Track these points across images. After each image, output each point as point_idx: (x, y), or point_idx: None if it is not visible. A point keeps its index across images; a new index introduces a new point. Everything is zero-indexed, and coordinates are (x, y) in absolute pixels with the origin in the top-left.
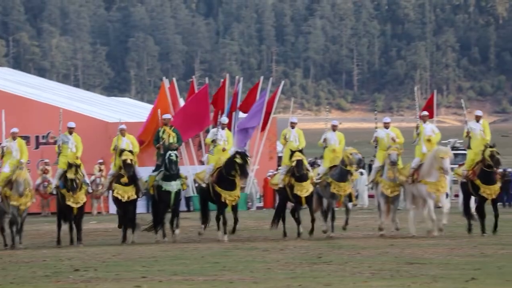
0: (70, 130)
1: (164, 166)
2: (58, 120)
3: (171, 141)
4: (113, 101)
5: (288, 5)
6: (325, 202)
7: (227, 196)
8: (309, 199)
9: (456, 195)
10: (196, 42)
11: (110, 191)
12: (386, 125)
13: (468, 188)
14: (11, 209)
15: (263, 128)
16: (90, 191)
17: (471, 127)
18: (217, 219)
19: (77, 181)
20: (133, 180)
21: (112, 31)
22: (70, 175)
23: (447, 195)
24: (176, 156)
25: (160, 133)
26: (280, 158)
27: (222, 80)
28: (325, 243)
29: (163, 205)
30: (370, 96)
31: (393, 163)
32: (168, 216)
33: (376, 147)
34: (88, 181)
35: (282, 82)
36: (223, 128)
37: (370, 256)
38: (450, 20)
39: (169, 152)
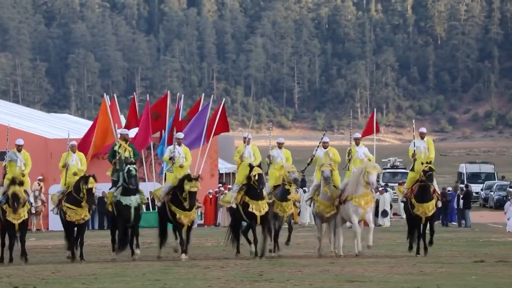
0: (19, 148)
1: (123, 180)
2: (4, 137)
3: (126, 155)
4: (53, 117)
5: (229, 22)
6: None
7: (182, 216)
8: (264, 218)
9: (395, 214)
10: (137, 59)
11: (59, 209)
12: (325, 145)
13: (408, 207)
14: None
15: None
16: (33, 211)
17: (417, 146)
18: (175, 236)
19: (19, 196)
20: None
21: (52, 48)
22: (12, 190)
23: (385, 213)
24: (135, 170)
25: (116, 148)
26: (221, 175)
27: (162, 96)
28: (267, 261)
29: (123, 220)
30: (311, 114)
31: (327, 179)
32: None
33: (308, 164)
34: (32, 201)
35: (224, 100)
36: (179, 144)
37: (311, 274)
38: (389, 40)
39: (128, 166)
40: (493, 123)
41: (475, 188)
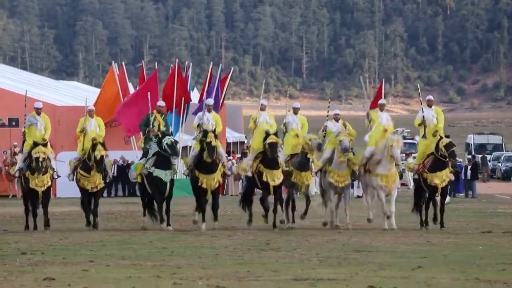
0: (38, 111)
1: (163, 150)
2: (6, 102)
3: (162, 129)
4: (61, 84)
5: None
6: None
7: (205, 180)
8: (278, 188)
9: (403, 184)
10: (145, 27)
11: (75, 176)
12: (336, 117)
13: (420, 183)
14: None
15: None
16: (56, 177)
17: (427, 115)
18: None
19: (42, 161)
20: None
21: (60, 14)
22: (35, 154)
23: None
24: (176, 141)
25: (151, 118)
26: (228, 144)
27: (171, 66)
28: (274, 230)
29: (156, 193)
30: (319, 84)
31: (345, 150)
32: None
33: (324, 137)
34: (54, 166)
35: (232, 69)
36: (209, 111)
37: (318, 243)
38: (398, 10)
39: (165, 138)
40: (502, 94)
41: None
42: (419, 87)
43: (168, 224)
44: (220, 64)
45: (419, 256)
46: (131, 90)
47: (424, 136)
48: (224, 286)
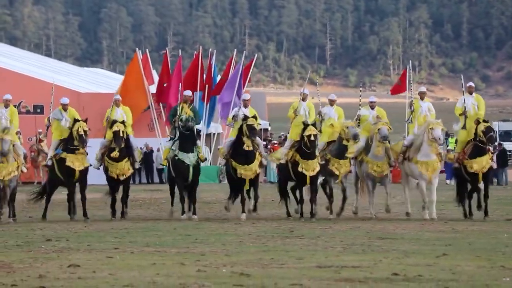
0: (64, 107)
1: (181, 135)
2: (31, 89)
3: (186, 116)
4: (86, 71)
5: None
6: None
7: (243, 171)
8: (314, 179)
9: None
10: (169, 14)
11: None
12: (372, 105)
13: (461, 173)
14: None
15: None
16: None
17: (467, 103)
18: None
19: (85, 136)
20: (127, 153)
21: (85, 2)
22: (76, 128)
23: None
24: (192, 119)
25: (178, 108)
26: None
27: (195, 52)
28: (297, 216)
29: (180, 178)
30: (343, 71)
31: (384, 138)
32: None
33: (359, 125)
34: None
35: (255, 56)
36: (245, 106)
37: (342, 231)
38: None
39: (182, 124)
40: None
41: (508, 146)
42: (462, 76)
43: (194, 213)
44: (244, 51)
45: (444, 244)
46: (155, 77)
47: (464, 127)
48: (248, 273)
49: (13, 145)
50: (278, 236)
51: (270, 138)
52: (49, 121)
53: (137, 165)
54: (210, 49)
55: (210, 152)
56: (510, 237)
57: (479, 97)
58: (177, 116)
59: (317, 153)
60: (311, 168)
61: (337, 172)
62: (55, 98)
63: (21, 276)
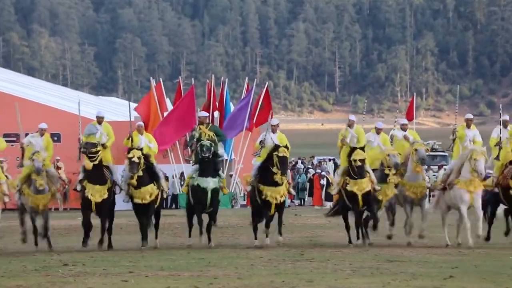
0: (99, 120)
1: (200, 164)
2: (49, 118)
3: (202, 142)
4: (101, 100)
5: (272, 8)
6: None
7: (269, 193)
8: (367, 198)
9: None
10: (182, 44)
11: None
12: (404, 127)
13: (499, 196)
14: (28, 209)
15: (250, 129)
16: (118, 191)
17: (503, 135)
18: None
19: (139, 161)
20: (151, 179)
21: (100, 32)
22: (132, 155)
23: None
24: (210, 144)
25: (195, 133)
26: None
27: (207, 81)
28: (307, 240)
29: (198, 205)
30: (352, 98)
31: (422, 160)
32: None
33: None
34: (114, 178)
35: (266, 84)
36: (274, 131)
37: (351, 254)
38: (429, 25)
39: (201, 150)
40: None
41: None
42: (501, 106)
43: (209, 240)
44: (255, 79)
45: (450, 266)
46: (169, 105)
47: (497, 158)
48: None
49: (47, 173)
50: (289, 259)
51: None
52: (79, 141)
53: (164, 194)
54: (222, 78)
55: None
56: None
57: None
58: (195, 140)
59: (368, 170)
60: (361, 187)
61: (381, 198)
62: (71, 126)
63: None
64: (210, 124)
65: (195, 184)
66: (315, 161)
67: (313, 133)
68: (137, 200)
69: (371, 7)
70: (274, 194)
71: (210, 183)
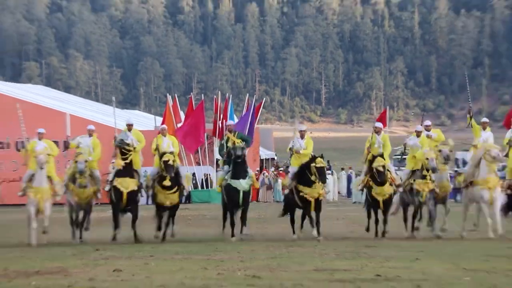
0: (129, 127)
1: (232, 166)
2: (83, 128)
3: (235, 145)
4: (126, 113)
5: (269, 36)
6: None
7: (307, 191)
8: (386, 203)
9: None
10: (194, 65)
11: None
12: (419, 134)
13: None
14: (73, 204)
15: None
16: (143, 188)
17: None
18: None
19: (173, 163)
20: (176, 182)
21: (125, 56)
22: (166, 158)
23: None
24: (241, 149)
25: (224, 142)
26: (261, 161)
27: (214, 97)
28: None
29: (232, 203)
30: (335, 111)
31: (447, 159)
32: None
33: (405, 153)
34: (141, 181)
35: (263, 99)
36: (302, 137)
37: (336, 241)
38: (400, 50)
39: (234, 153)
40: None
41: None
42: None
43: (241, 231)
44: (255, 95)
45: (417, 250)
46: (182, 117)
47: (506, 155)
48: (259, 276)
49: (91, 174)
50: (284, 245)
51: (277, 166)
52: (115, 140)
53: (185, 192)
54: (227, 94)
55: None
56: (471, 244)
57: None
58: (226, 149)
59: (389, 177)
60: (382, 193)
61: (421, 190)
62: (102, 134)
63: (76, 278)
64: (237, 132)
65: (229, 185)
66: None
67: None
68: (160, 202)
69: (351, 35)
70: (312, 193)
71: (242, 184)
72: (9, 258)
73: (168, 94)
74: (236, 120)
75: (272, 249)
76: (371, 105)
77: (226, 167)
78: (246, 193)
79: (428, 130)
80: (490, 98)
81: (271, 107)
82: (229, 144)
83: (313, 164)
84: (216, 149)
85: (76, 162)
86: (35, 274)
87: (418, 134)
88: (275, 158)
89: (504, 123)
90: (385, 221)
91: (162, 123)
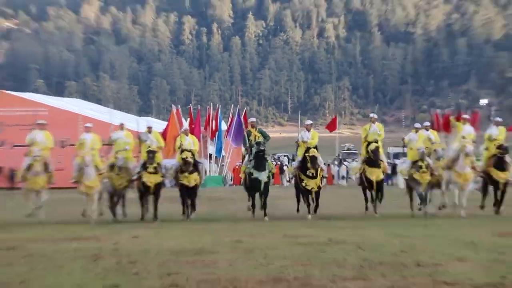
0: (149, 130)
1: (255, 159)
2: (108, 132)
3: (258, 140)
4: (142, 119)
5: (248, 61)
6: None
7: (306, 181)
8: (379, 184)
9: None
10: (192, 84)
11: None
12: (426, 128)
13: (486, 180)
14: (111, 189)
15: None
16: (167, 183)
17: (492, 133)
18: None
19: (190, 161)
20: (195, 169)
21: (141, 77)
22: (185, 155)
23: (344, 178)
24: (263, 144)
25: (247, 136)
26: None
27: (208, 107)
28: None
29: (253, 190)
30: (299, 118)
31: (469, 153)
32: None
33: (404, 146)
34: (163, 171)
35: (245, 109)
36: (308, 130)
37: (301, 214)
38: (346, 72)
39: (257, 148)
40: (408, 123)
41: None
42: (492, 112)
43: (265, 215)
44: (238, 106)
45: (362, 221)
46: (184, 122)
47: (486, 149)
48: (241, 240)
49: (127, 167)
50: (263, 218)
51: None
52: (139, 138)
53: (201, 182)
54: (217, 105)
55: (218, 167)
56: (408, 215)
57: (502, 129)
58: (250, 142)
59: (383, 163)
60: (375, 174)
61: (421, 180)
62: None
63: (102, 243)
64: (258, 128)
65: (251, 174)
66: (276, 157)
67: (275, 140)
68: (184, 183)
69: (310, 61)
70: (311, 184)
71: (262, 175)
72: (56, 227)
73: (172, 105)
74: (224, 125)
75: (255, 221)
76: (325, 112)
77: (247, 156)
78: (266, 183)
79: (427, 130)
80: (412, 107)
81: (250, 115)
82: (251, 138)
83: (307, 154)
84: (209, 146)
85: (116, 157)
86: (75, 240)
87: (417, 130)
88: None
89: (330, 126)
90: (379, 199)
91: (166, 128)
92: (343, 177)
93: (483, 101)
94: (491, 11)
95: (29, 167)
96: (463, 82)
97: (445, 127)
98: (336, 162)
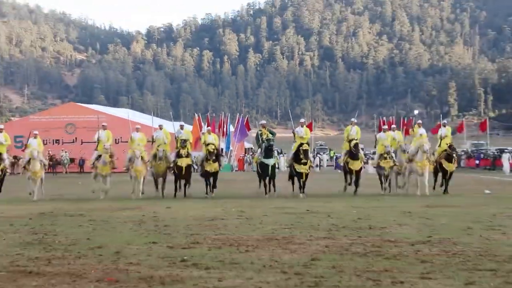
0: (182, 126)
1: (264, 151)
2: (147, 131)
3: (268, 137)
4: (175, 124)
5: (249, 81)
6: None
7: (297, 167)
8: (358, 172)
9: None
10: (209, 98)
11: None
12: (385, 130)
13: (437, 167)
14: (155, 175)
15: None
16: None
17: (442, 132)
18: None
19: (213, 151)
20: (216, 159)
21: (173, 94)
22: (211, 148)
23: (321, 167)
24: (272, 140)
25: (259, 133)
26: (245, 149)
27: (220, 115)
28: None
29: (263, 174)
30: (285, 123)
31: (405, 150)
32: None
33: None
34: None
35: (247, 116)
36: (302, 126)
37: (290, 195)
38: (319, 90)
39: (267, 143)
40: (363, 126)
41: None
42: (441, 118)
43: (274, 190)
44: (241, 114)
45: (331, 197)
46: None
47: (440, 146)
48: (244, 210)
49: (166, 157)
50: (260, 196)
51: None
52: (175, 138)
53: (220, 168)
54: (227, 113)
55: (226, 158)
56: (372, 196)
57: (449, 129)
58: (262, 139)
59: (361, 156)
60: (355, 164)
61: (385, 166)
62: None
63: (144, 212)
64: (268, 128)
65: (262, 162)
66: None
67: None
68: (207, 169)
69: (293, 82)
70: (302, 169)
71: (270, 161)
72: (112, 199)
73: (195, 113)
74: (232, 128)
75: (254, 198)
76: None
77: (259, 150)
78: (273, 167)
79: (393, 131)
80: (366, 116)
81: (250, 121)
82: (264, 136)
83: (301, 148)
84: (221, 143)
85: (157, 150)
86: (124, 209)
87: (385, 130)
88: (252, 147)
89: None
90: (356, 184)
91: (196, 129)
92: (317, 166)
93: (416, 111)
94: (421, 48)
95: (99, 157)
96: (401, 98)
97: (406, 130)
98: (311, 155)
